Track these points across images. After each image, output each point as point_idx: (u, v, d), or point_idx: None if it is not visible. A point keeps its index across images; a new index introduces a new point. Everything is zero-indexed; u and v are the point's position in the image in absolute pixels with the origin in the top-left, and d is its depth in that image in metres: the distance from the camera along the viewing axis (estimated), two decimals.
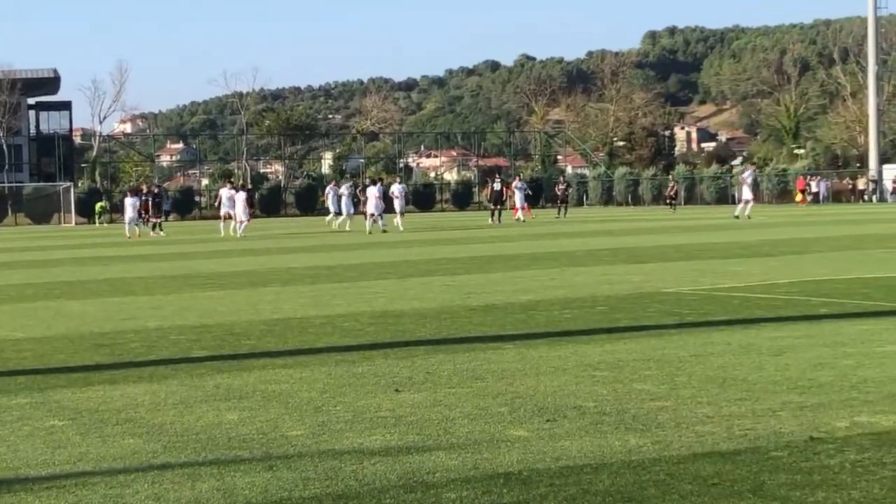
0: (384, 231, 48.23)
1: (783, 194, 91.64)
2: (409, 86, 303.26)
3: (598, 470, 7.14)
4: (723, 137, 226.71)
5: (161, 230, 55.68)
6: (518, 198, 60.73)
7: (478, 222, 57.97)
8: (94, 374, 11.69)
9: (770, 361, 11.14)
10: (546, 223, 54.58)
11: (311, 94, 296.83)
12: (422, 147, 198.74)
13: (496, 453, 7.64)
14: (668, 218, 59.95)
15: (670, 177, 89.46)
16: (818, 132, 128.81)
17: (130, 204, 54.62)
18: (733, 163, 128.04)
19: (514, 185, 62.73)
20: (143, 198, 56.12)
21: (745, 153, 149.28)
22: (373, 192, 49.88)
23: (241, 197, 50.57)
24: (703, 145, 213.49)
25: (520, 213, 59.59)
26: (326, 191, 63.64)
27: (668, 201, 79.32)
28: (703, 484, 6.74)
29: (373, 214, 49.23)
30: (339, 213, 55.77)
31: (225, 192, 53.35)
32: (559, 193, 68.36)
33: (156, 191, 61.30)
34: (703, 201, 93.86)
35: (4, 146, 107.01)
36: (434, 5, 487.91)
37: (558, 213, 65.91)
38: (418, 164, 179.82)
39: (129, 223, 53.88)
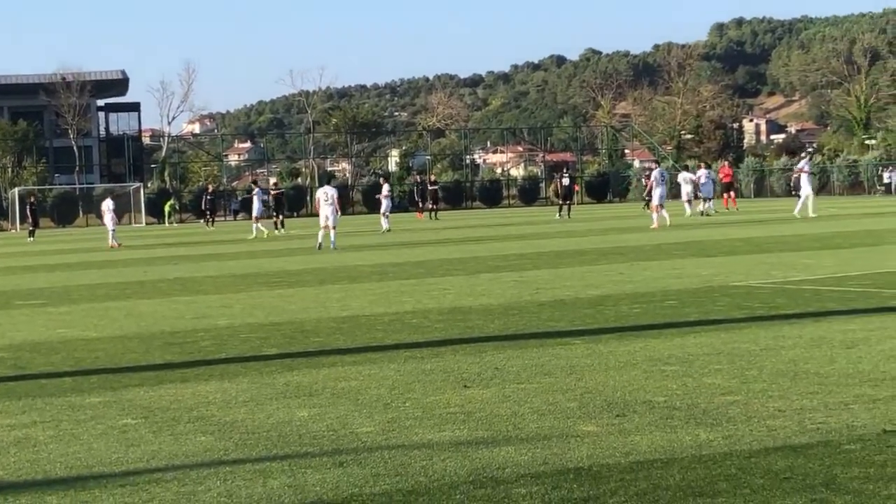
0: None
1: (854, 186, 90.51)
2: (474, 82, 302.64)
3: (669, 465, 7.11)
4: (792, 129, 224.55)
5: (283, 228, 54.21)
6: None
7: (545, 218, 57.59)
8: (166, 372, 11.81)
9: (842, 354, 11.04)
10: (610, 217, 54.32)
11: (377, 92, 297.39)
12: (488, 143, 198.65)
13: (566, 448, 7.64)
14: (741, 211, 59.34)
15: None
16: (889, 122, 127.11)
17: (108, 207, 48.03)
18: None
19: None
20: (267, 196, 56.94)
21: (814, 144, 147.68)
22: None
23: None
24: (772, 137, 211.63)
25: None
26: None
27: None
28: (774, 478, 6.70)
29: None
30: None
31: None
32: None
33: (281, 190, 63.29)
34: (774, 194, 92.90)
35: (75, 148, 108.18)
36: (498, 1, 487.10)
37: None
38: (485, 160, 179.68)
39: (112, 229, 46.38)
